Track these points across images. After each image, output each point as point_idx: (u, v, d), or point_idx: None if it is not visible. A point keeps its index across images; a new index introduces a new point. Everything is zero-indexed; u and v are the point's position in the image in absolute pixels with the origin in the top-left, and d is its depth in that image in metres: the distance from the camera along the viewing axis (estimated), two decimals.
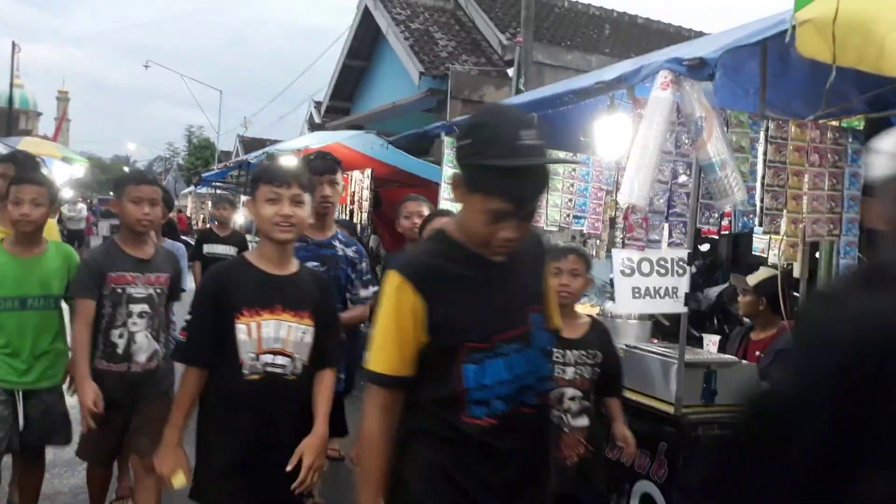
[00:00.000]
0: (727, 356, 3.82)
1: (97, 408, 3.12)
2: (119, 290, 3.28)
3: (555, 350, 2.52)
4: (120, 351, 3.29)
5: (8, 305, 3.33)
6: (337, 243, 3.59)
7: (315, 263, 3.28)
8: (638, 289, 3.24)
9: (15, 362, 3.32)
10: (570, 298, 3.04)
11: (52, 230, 4.04)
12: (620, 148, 3.71)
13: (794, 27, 2.96)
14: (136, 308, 3.31)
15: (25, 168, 4.07)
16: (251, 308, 2.45)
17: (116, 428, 3.33)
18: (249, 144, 29.08)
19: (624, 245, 3.35)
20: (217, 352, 2.45)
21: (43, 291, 3.38)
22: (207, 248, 8.38)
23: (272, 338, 2.46)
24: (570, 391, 3.02)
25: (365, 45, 17.49)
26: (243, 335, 2.43)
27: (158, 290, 3.40)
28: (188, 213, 27.96)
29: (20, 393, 3.36)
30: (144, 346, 3.34)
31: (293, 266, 2.61)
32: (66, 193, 21.66)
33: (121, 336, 3.29)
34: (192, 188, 26.53)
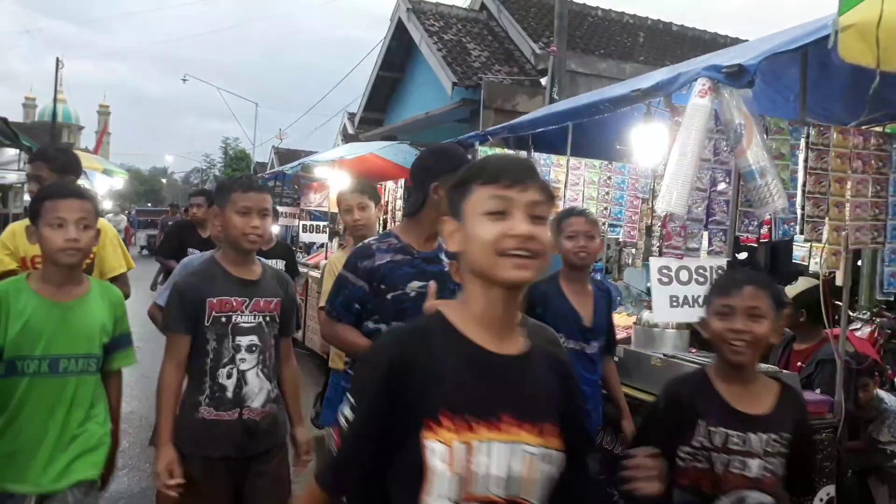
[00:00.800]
0: (767, 366, 3.75)
1: (173, 477, 2.54)
2: (223, 319, 2.69)
3: (732, 433, 2.07)
4: (230, 394, 2.68)
5: (33, 368, 2.40)
6: (444, 257, 2.79)
7: (420, 283, 2.65)
8: (676, 297, 3.21)
9: (29, 454, 2.40)
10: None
11: (110, 245, 3.56)
12: (657, 156, 3.68)
13: (836, 32, 2.92)
14: (244, 340, 2.72)
15: (66, 171, 3.47)
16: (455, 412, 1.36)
17: (226, 499, 2.68)
18: (284, 156, 29.45)
19: (661, 253, 3.32)
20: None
21: (86, 350, 2.51)
22: None
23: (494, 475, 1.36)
24: (754, 496, 2.09)
25: (398, 57, 17.63)
26: (438, 462, 1.33)
27: (268, 318, 2.78)
28: None
29: (32, 501, 2.44)
30: (257, 386, 2.73)
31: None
32: (107, 205, 22.21)
33: (229, 376, 2.69)
34: None
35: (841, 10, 2.85)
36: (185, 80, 33.74)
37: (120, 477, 3.01)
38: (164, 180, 78.40)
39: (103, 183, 14.48)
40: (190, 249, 5.42)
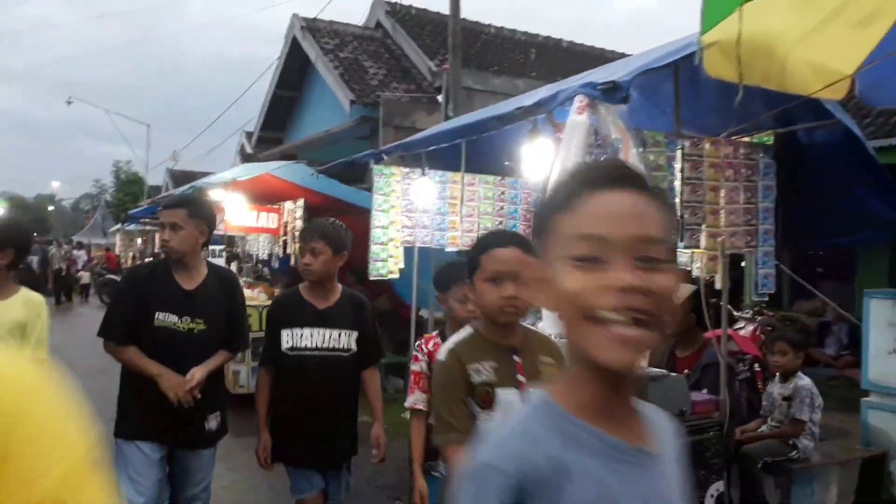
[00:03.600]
0: (657, 370, 3.89)
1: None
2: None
3: None
4: None
5: None
6: None
7: None
8: None
9: None
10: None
11: None
12: (544, 171, 3.77)
13: (701, 49, 3.08)
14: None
15: None
16: None
17: None
18: (180, 178, 28.52)
19: None
20: None
21: None
22: None
23: None
24: None
25: (295, 75, 17.43)
26: None
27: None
28: (117, 251, 27.13)
29: None
30: None
31: None
32: None
33: None
34: (120, 225, 25.80)
35: (704, 28, 3.01)
36: (69, 103, 32.18)
37: None
38: (50, 207, 74.34)
39: None
40: None
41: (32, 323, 3.23)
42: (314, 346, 3.28)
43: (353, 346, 3.33)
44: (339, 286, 3.41)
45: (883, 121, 8.47)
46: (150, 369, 3.10)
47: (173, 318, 3.15)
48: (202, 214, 3.24)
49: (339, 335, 3.31)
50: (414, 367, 2.97)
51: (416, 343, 3.05)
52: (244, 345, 3.57)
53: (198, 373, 3.13)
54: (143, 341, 3.14)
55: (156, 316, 3.13)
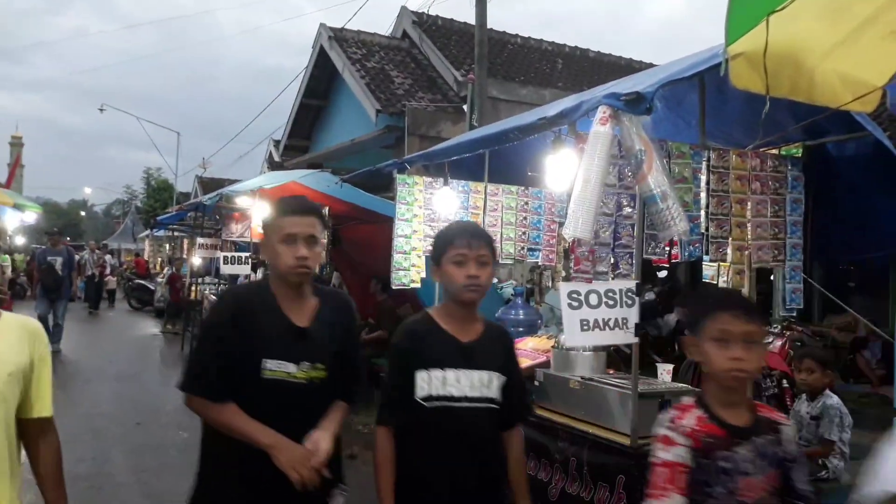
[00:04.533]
0: (680, 385, 3.84)
1: None
2: None
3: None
4: None
5: None
6: None
7: None
8: (587, 321, 3.24)
9: None
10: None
11: None
12: (566, 181, 3.74)
13: (727, 60, 3.03)
14: None
15: None
16: None
17: None
18: (208, 185, 28.85)
19: (571, 278, 3.36)
20: None
21: None
22: None
23: None
24: None
25: (322, 84, 17.56)
26: None
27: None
28: (146, 257, 27.53)
29: None
30: None
31: None
32: (18, 241, 21.24)
33: None
34: (149, 231, 26.16)
35: (729, 39, 2.96)
36: (102, 110, 32.81)
37: None
38: (83, 213, 75.65)
39: (13, 218, 13.84)
40: None
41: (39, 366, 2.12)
42: (462, 394, 2.39)
43: (500, 396, 2.45)
44: (479, 315, 2.55)
45: None
46: (260, 438, 2.23)
47: (289, 368, 2.31)
48: (326, 224, 2.64)
49: (489, 379, 2.43)
50: (664, 454, 1.95)
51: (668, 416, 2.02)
52: (362, 391, 2.65)
53: (323, 441, 2.29)
54: (245, 395, 2.28)
55: (265, 365, 2.29)
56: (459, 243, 2.35)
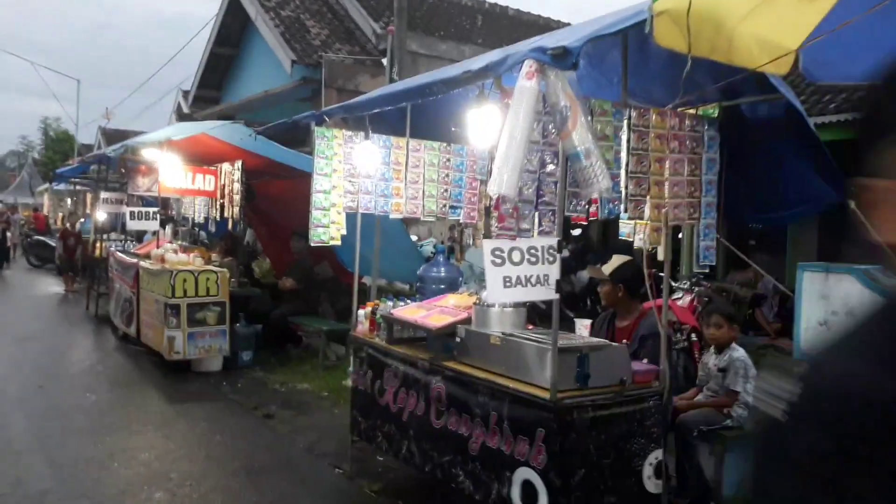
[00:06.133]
0: (598, 339, 3.91)
1: None
2: None
3: None
4: None
5: None
6: None
7: None
8: (509, 278, 3.24)
9: None
10: None
11: None
12: (491, 138, 3.70)
13: (652, 17, 3.03)
14: None
15: None
16: None
17: None
18: (112, 137, 27.44)
19: (495, 235, 3.34)
20: None
21: None
22: None
23: None
24: None
25: (234, 33, 16.86)
26: None
27: None
28: (45, 212, 26.03)
29: None
30: None
31: None
32: None
33: None
34: (48, 185, 24.71)
35: None
36: None
37: None
38: None
39: None
40: None
41: None
42: None
43: None
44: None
45: (816, 98, 8.66)
46: None
47: None
48: None
49: None
50: None
51: None
52: None
53: None
54: None
55: None
56: None
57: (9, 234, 20.78)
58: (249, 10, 15.13)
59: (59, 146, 40.31)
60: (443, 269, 5.45)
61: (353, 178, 5.22)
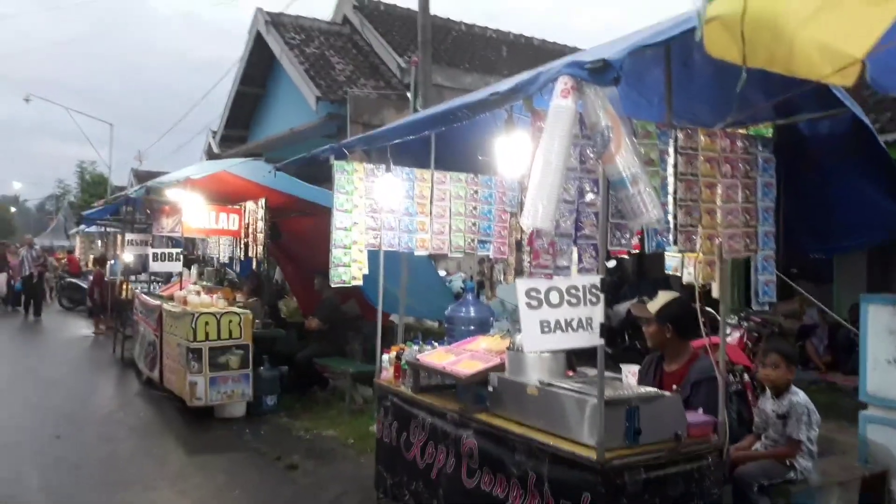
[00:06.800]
0: (649, 389, 3.48)
1: None
2: None
3: None
4: None
5: None
6: None
7: None
8: (547, 322, 2.86)
9: None
10: None
11: None
12: (521, 166, 3.34)
13: (701, 24, 2.68)
14: None
15: None
16: None
17: None
18: (144, 178, 27.60)
19: (530, 274, 2.96)
20: None
21: None
22: None
23: None
24: None
25: (259, 72, 16.90)
26: None
27: None
28: (77, 254, 26.20)
29: None
30: None
31: None
32: None
33: None
34: (80, 227, 24.92)
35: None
36: (28, 100, 31.13)
37: None
38: (13, 209, 72.42)
39: None
40: None
41: None
42: None
43: None
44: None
45: (874, 116, 8.19)
46: None
47: None
48: None
49: None
50: None
51: None
52: None
53: None
54: None
55: None
56: None
57: (46, 276, 20.81)
58: (274, 48, 15.12)
59: (94, 189, 40.93)
60: (472, 308, 5.07)
61: (376, 213, 4.91)
